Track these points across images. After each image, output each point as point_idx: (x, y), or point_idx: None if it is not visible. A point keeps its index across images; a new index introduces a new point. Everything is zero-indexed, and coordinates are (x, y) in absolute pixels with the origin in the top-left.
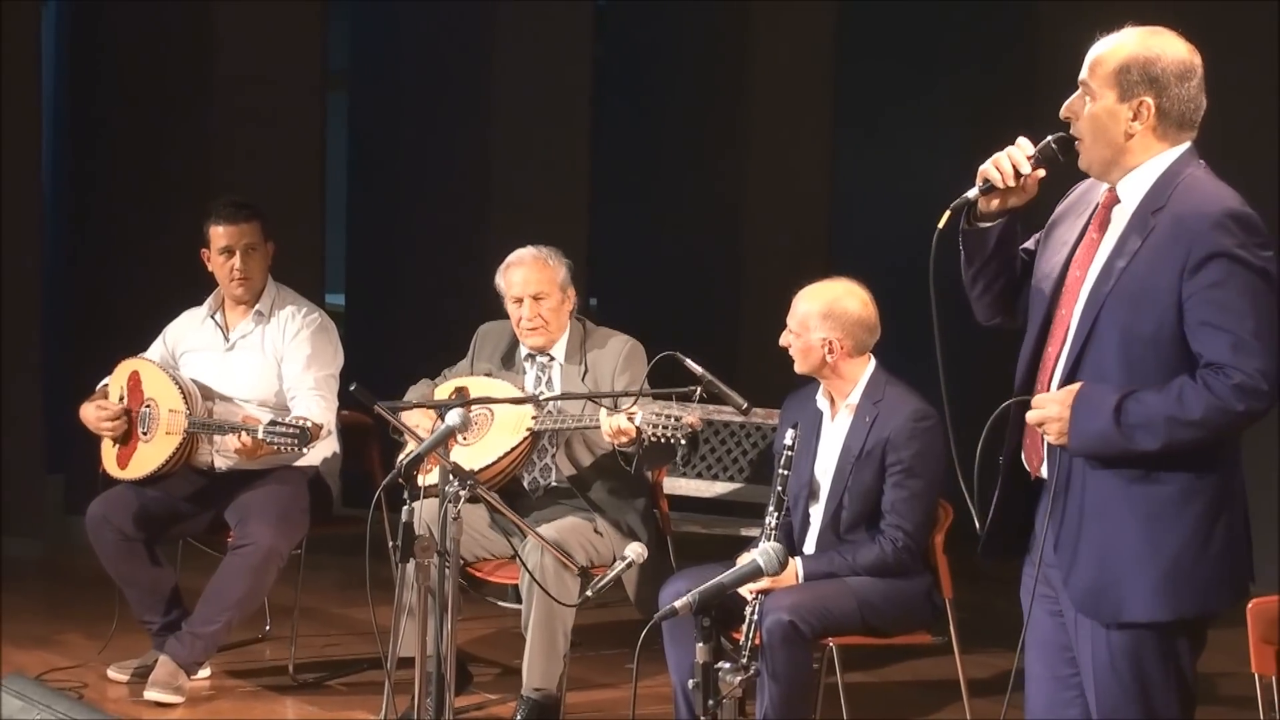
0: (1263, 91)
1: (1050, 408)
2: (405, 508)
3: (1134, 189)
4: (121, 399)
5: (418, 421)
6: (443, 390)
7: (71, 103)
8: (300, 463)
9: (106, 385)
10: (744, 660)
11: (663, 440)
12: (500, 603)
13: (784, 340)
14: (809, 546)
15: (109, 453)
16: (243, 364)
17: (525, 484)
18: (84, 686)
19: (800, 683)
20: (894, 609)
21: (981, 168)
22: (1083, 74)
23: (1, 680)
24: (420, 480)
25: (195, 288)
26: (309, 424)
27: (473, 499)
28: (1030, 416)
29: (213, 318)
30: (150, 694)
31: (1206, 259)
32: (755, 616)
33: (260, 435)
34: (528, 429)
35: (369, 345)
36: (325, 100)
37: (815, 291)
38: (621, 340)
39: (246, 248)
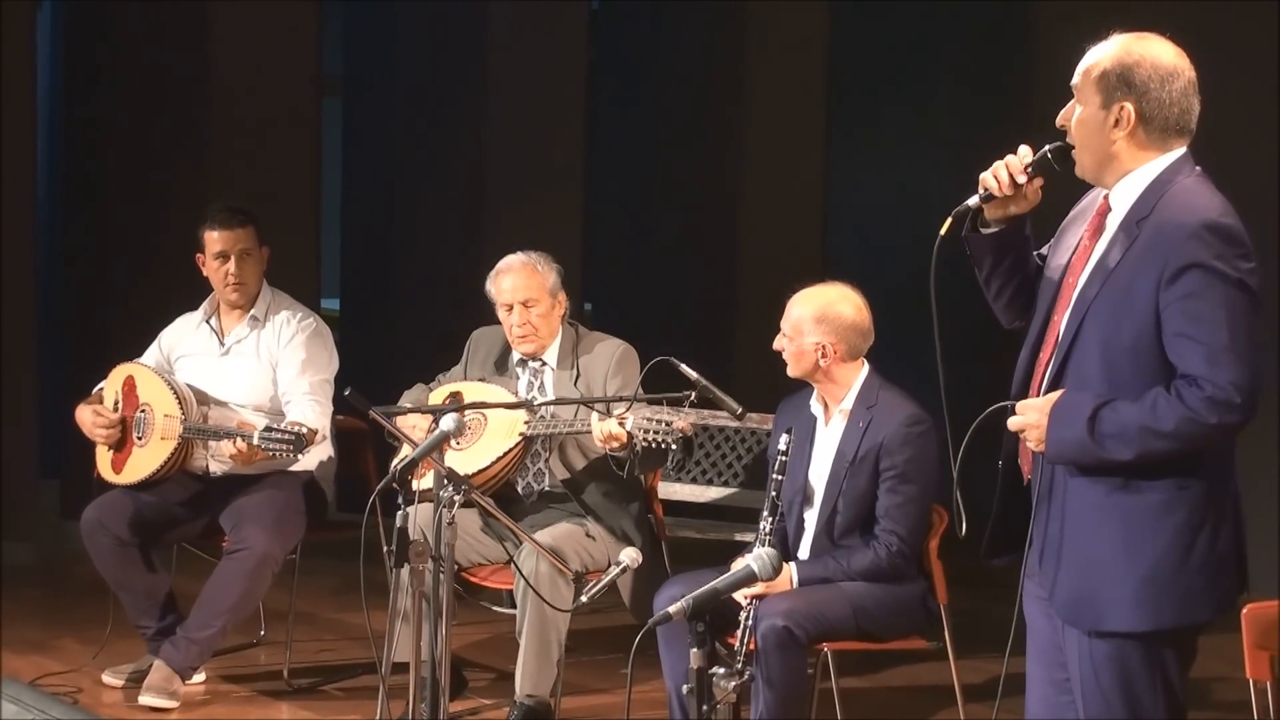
0: (1263, 91)
1: (1030, 414)
2: (400, 512)
3: (1124, 197)
4: (116, 404)
5: (413, 425)
6: (437, 395)
7: (67, 107)
8: (295, 467)
9: (102, 390)
10: (739, 665)
11: (654, 445)
12: (495, 608)
13: (777, 344)
14: (804, 552)
15: (104, 457)
16: (238, 369)
17: (519, 489)
18: (79, 691)
19: (795, 688)
20: (889, 614)
21: (981, 176)
22: (1073, 81)
23: None
24: (415, 485)
25: (191, 292)
26: (304, 430)
27: (467, 504)
28: (1012, 423)
29: (208, 322)
30: (145, 699)
31: (1182, 270)
32: (750, 622)
33: (256, 441)
34: (521, 434)
35: (364, 350)
36: (320, 105)
37: (809, 296)
38: (614, 345)
39: (241, 253)
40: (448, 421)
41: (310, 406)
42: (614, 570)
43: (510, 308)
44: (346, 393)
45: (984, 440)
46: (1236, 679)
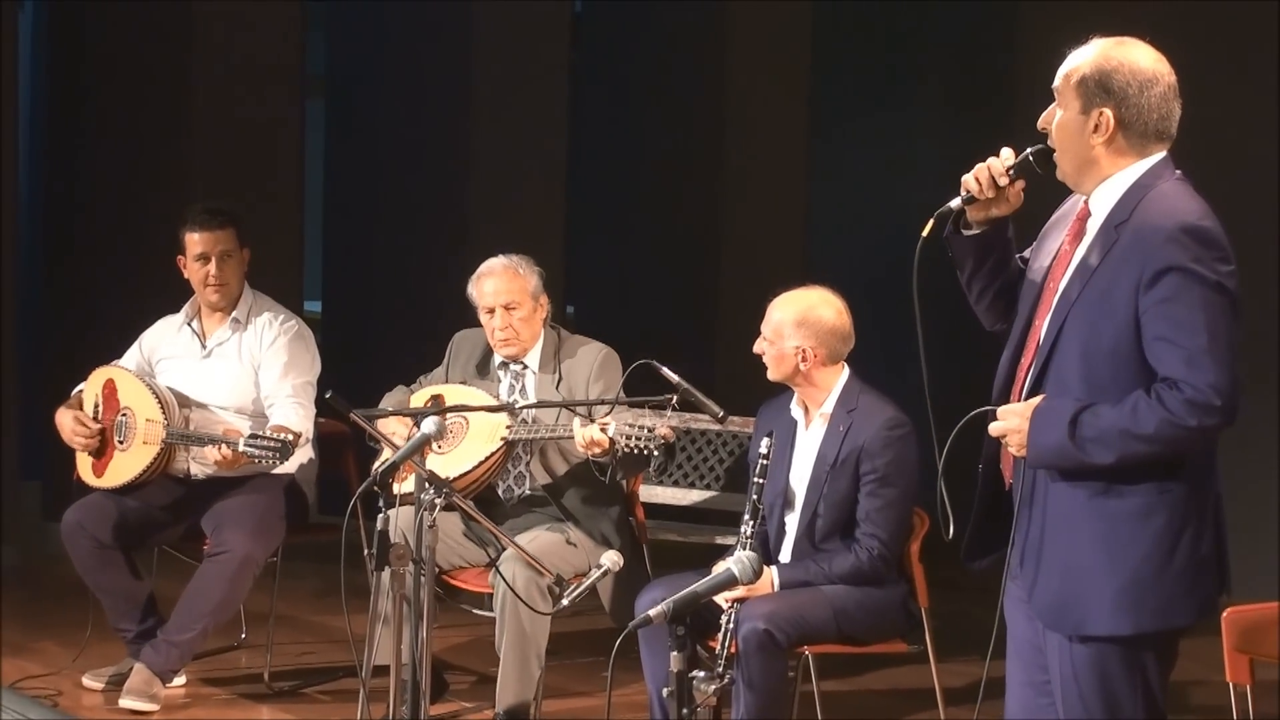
0: (1263, 91)
1: (1011, 419)
2: (381, 515)
3: (1103, 202)
4: (96, 407)
5: (393, 429)
6: (418, 398)
7: (48, 107)
8: (276, 470)
9: (81, 392)
10: (719, 669)
11: (636, 451)
12: (476, 610)
13: (758, 348)
14: (785, 555)
15: (84, 461)
16: (220, 371)
17: (500, 492)
18: (59, 694)
19: (775, 691)
20: (870, 617)
21: (963, 178)
22: (1054, 85)
23: None
24: (396, 488)
25: (172, 295)
26: (290, 437)
27: (448, 507)
28: (993, 428)
29: (189, 325)
30: (125, 702)
31: (1160, 273)
32: (731, 625)
33: (241, 448)
34: (502, 438)
35: (346, 353)
36: (303, 106)
37: (789, 299)
38: (596, 348)
39: (222, 254)
40: (429, 425)
41: (293, 409)
42: (595, 573)
43: (492, 311)
44: (328, 396)
45: (967, 442)
46: (1216, 682)
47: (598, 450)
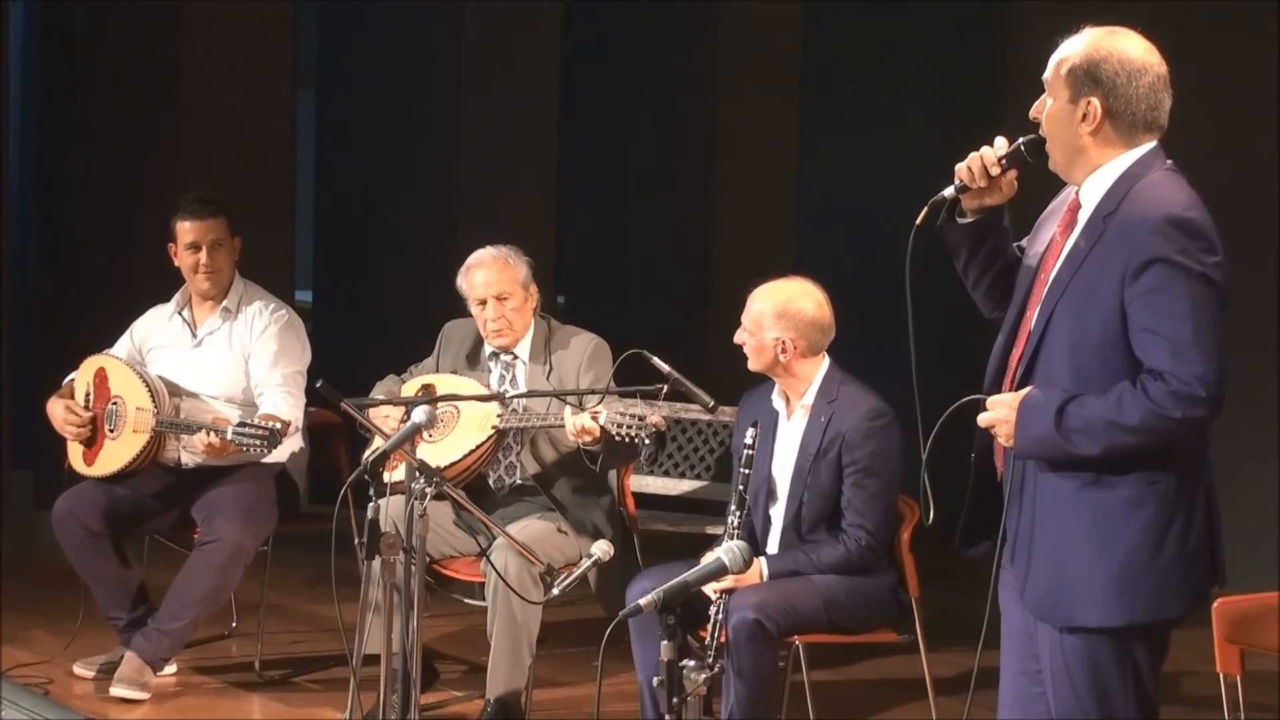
0: (1261, 87)
1: (999, 410)
2: (371, 504)
3: (1093, 192)
4: (88, 396)
5: (385, 416)
6: (409, 387)
7: (40, 98)
8: (267, 459)
9: (72, 381)
10: (709, 658)
11: (626, 440)
12: (466, 600)
13: (738, 338)
14: (772, 546)
15: (75, 449)
16: (210, 360)
17: (490, 482)
18: (50, 683)
19: (766, 681)
20: (860, 607)
21: (957, 167)
22: (1044, 75)
23: None
24: (386, 477)
25: (163, 284)
26: (278, 426)
27: (439, 496)
28: (982, 418)
29: (180, 314)
30: (116, 690)
31: (1145, 265)
32: (721, 615)
33: (230, 437)
34: (493, 427)
35: (336, 342)
36: (295, 97)
37: (769, 291)
38: (586, 338)
39: (213, 243)
40: (420, 414)
41: (283, 398)
42: (585, 562)
43: (483, 302)
44: (318, 385)
45: (956, 430)
46: (1206, 673)
47: (588, 438)
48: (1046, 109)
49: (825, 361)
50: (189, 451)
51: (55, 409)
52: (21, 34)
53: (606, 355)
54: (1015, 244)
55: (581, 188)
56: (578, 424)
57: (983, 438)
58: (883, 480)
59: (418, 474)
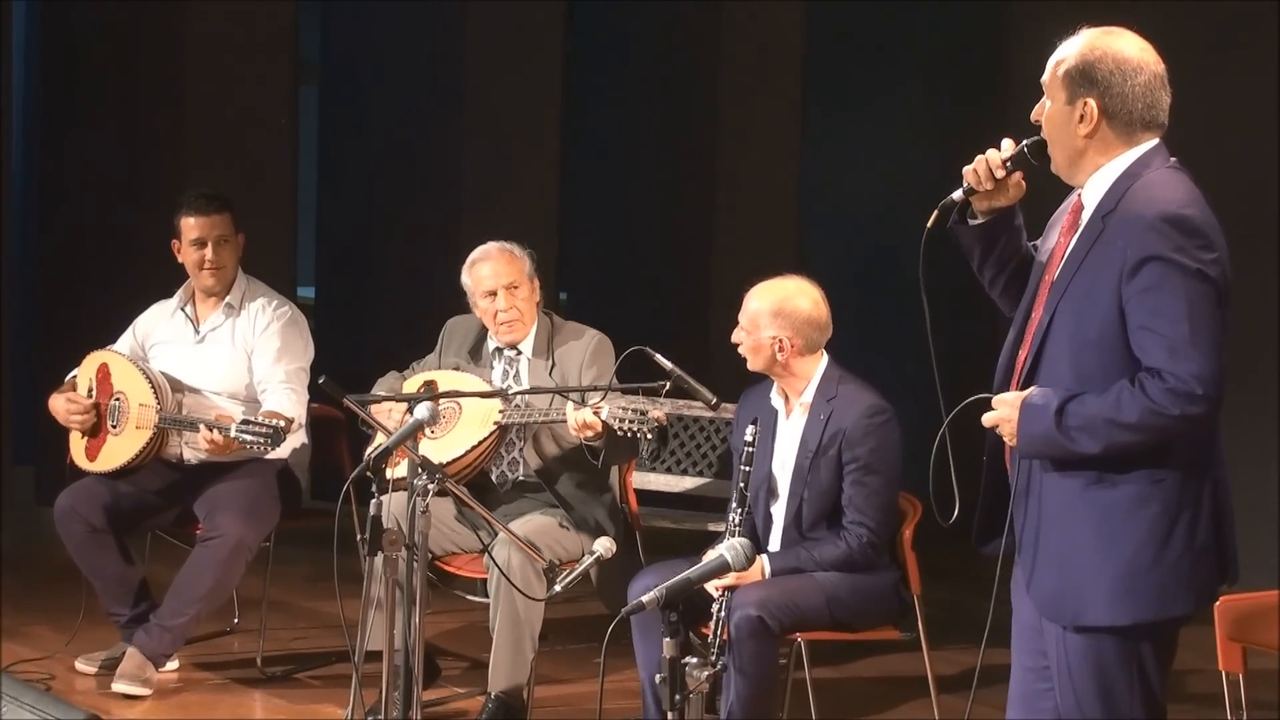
0: (1261, 87)
1: (1003, 409)
2: (373, 501)
3: (1094, 192)
4: (90, 392)
5: (388, 411)
6: (411, 383)
7: (42, 93)
8: (269, 455)
9: (75, 377)
10: (712, 655)
11: (628, 435)
12: (469, 596)
13: (735, 337)
14: (773, 544)
15: (77, 445)
16: (213, 356)
17: (493, 478)
18: (51, 678)
19: (767, 678)
20: (862, 604)
21: (964, 170)
22: (1043, 78)
23: None
24: (389, 473)
25: (165, 280)
26: (281, 423)
27: (441, 492)
28: (986, 418)
29: (183, 310)
30: (118, 686)
31: (1142, 263)
32: (723, 612)
33: (233, 434)
34: (495, 423)
35: (339, 338)
36: (298, 93)
37: (766, 289)
38: (589, 334)
39: (218, 239)
40: (422, 410)
41: (286, 395)
42: (587, 559)
43: (494, 294)
44: (321, 381)
45: (966, 429)
46: (1209, 671)
47: (590, 433)
48: (1046, 111)
49: (824, 359)
50: (191, 448)
51: (57, 402)
52: (24, 28)
53: (609, 351)
54: (1031, 243)
55: (584, 185)
56: (580, 419)
57: (994, 438)
58: (883, 477)
59: (420, 470)
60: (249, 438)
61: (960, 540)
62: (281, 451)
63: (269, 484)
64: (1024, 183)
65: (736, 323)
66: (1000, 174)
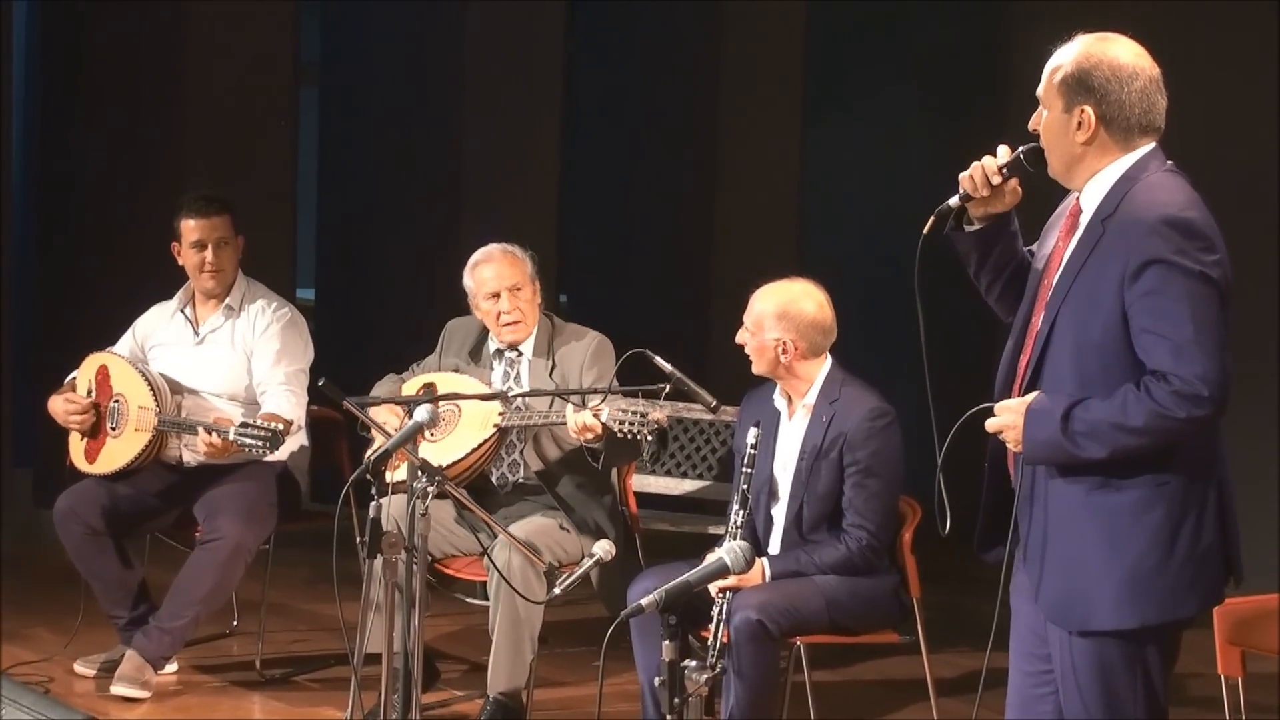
0: (1261, 89)
1: (1007, 416)
2: (373, 503)
3: (1092, 197)
4: (90, 393)
5: (386, 417)
6: (410, 386)
7: (41, 96)
8: (269, 458)
9: (74, 379)
10: (712, 659)
11: (629, 437)
12: (468, 599)
13: (740, 337)
14: (773, 546)
15: (77, 447)
16: (212, 358)
17: (493, 480)
18: (50, 681)
19: (767, 682)
20: (862, 608)
21: (960, 176)
22: (1038, 88)
23: None
24: (388, 476)
25: (164, 282)
26: (280, 426)
27: (441, 495)
28: (990, 424)
29: (182, 312)
30: (117, 688)
31: (1144, 266)
32: (723, 615)
33: (232, 437)
34: (495, 425)
35: (339, 340)
36: (298, 94)
37: (772, 291)
38: (590, 336)
39: (218, 241)
40: (422, 413)
41: (285, 397)
42: (587, 562)
43: (496, 295)
44: (321, 383)
45: (968, 434)
46: (1209, 675)
47: (590, 436)
48: (1043, 120)
49: (827, 361)
50: (190, 450)
51: (55, 404)
52: (24, 29)
53: (609, 353)
54: (1026, 248)
55: (584, 186)
56: (580, 421)
57: (996, 444)
58: (884, 480)
59: (420, 473)
60: (248, 441)
61: (960, 544)
62: (281, 454)
63: (268, 486)
64: (1020, 189)
65: (737, 325)
66: (997, 180)
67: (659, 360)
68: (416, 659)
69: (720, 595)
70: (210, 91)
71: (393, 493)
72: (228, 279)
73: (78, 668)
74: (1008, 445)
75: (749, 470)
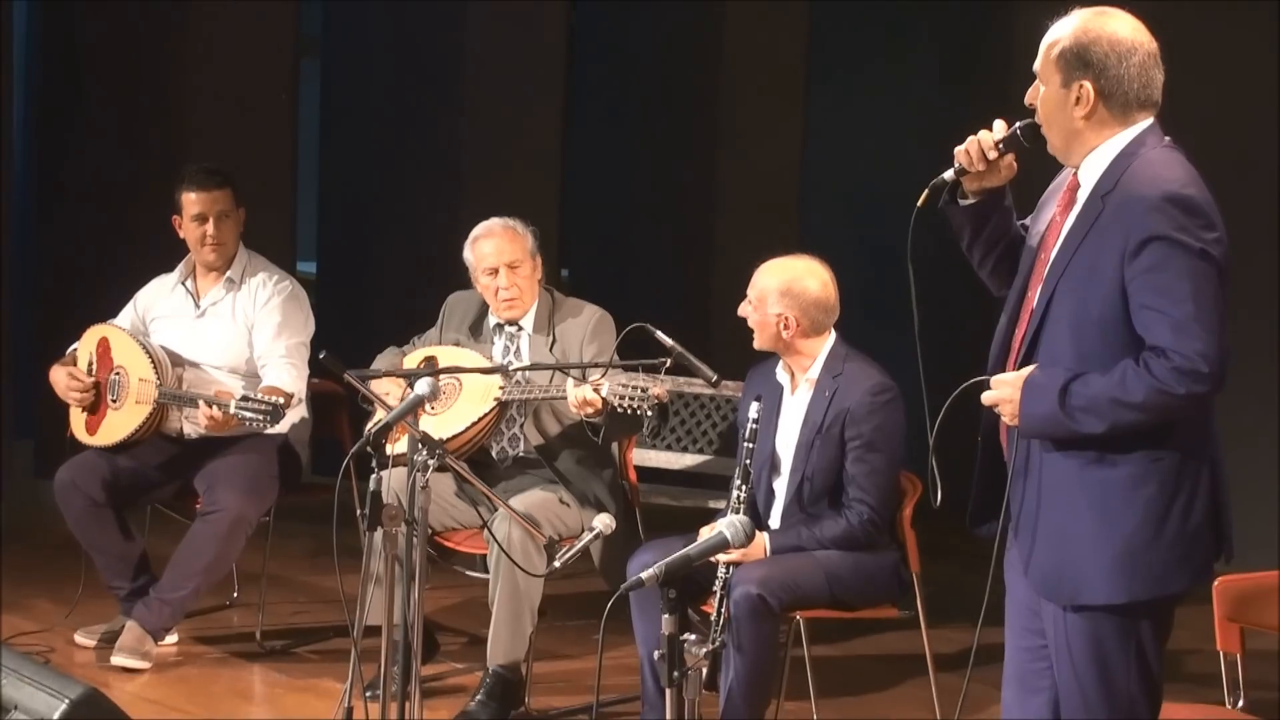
0: (1261, 75)
1: (1004, 389)
2: (374, 476)
3: (1091, 172)
4: (91, 366)
5: (387, 390)
6: (411, 359)
7: (43, 67)
8: (269, 430)
9: (75, 351)
10: (712, 633)
11: (629, 411)
12: (468, 572)
13: (742, 310)
14: (774, 520)
15: (77, 418)
16: (213, 331)
17: (493, 454)
18: (51, 651)
19: (767, 656)
20: (862, 582)
21: (955, 150)
22: (1035, 61)
23: None
24: (389, 449)
25: (165, 255)
26: (280, 400)
27: (441, 468)
28: (986, 397)
29: (183, 284)
30: (117, 659)
31: (1144, 243)
32: (724, 589)
33: (232, 410)
34: (495, 399)
35: (340, 313)
36: (299, 67)
37: (776, 267)
38: (590, 311)
39: (219, 214)
40: (423, 385)
41: (286, 370)
42: (587, 536)
43: (495, 271)
44: (322, 356)
45: (961, 409)
46: (1207, 651)
47: (590, 410)
48: (1040, 95)
49: (831, 337)
50: (191, 422)
51: (58, 376)
52: (25, 5)
53: (610, 328)
54: (1020, 223)
55: (586, 159)
56: (580, 396)
57: (989, 418)
58: (885, 456)
59: (420, 446)
60: (248, 414)
61: (960, 519)
62: (282, 426)
63: (269, 459)
64: (1015, 164)
65: (738, 300)
66: (992, 155)
67: (660, 335)
68: (416, 631)
69: (724, 569)
70: (211, 62)
71: (393, 466)
72: (229, 252)
73: (78, 638)
74: (1003, 419)
75: (751, 445)
